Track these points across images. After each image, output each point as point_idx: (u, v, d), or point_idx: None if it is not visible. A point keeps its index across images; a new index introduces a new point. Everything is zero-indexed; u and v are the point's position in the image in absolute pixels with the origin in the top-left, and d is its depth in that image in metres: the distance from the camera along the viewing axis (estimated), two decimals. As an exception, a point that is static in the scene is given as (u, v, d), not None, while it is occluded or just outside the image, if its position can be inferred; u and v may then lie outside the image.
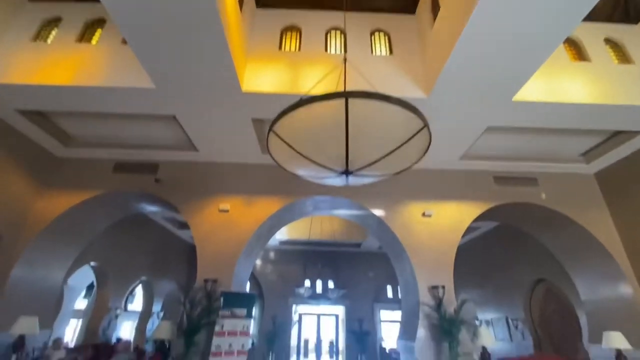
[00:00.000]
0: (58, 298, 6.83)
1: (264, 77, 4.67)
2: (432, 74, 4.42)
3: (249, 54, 4.86)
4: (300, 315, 12.20)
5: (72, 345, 8.06)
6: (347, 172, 2.31)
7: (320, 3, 5.38)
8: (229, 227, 5.95)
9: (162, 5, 3.32)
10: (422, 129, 2.04)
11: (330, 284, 12.08)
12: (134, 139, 6.03)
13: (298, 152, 2.18)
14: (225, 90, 4.47)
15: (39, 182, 5.92)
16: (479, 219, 6.33)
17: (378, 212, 6.14)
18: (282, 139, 2.15)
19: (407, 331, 5.68)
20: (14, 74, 4.58)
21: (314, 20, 5.39)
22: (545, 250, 7.04)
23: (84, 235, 6.57)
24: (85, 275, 8.43)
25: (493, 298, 9.51)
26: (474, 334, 5.53)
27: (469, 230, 6.73)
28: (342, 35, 5.32)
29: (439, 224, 6.08)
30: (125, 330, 10.16)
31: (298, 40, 5.26)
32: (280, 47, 5.16)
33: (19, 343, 4.50)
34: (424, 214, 6.12)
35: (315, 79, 4.22)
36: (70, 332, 9.71)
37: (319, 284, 12.21)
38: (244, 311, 5.61)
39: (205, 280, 5.44)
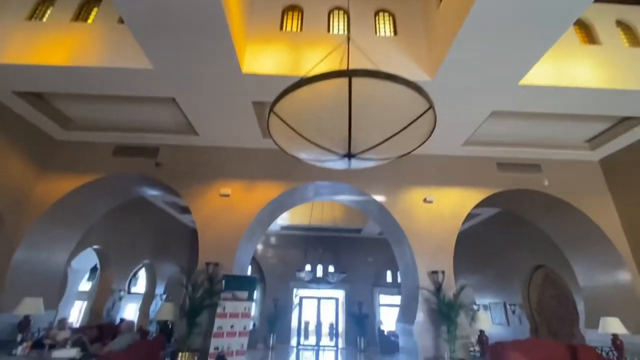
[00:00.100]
0: (62, 280, 6.93)
1: (264, 58, 4.55)
2: (437, 56, 4.30)
3: (250, 34, 4.72)
4: (300, 299, 12.40)
5: (77, 325, 8.25)
6: (349, 155, 2.26)
7: (323, -19, 5.19)
8: (230, 211, 5.96)
9: (158, -19, 3.19)
10: (427, 110, 1.98)
11: (331, 269, 12.22)
12: (134, 122, 5.96)
13: (299, 134, 2.13)
14: (225, 71, 4.37)
15: (39, 165, 5.90)
16: (480, 205, 6.31)
17: (379, 198, 6.13)
18: (283, 120, 2.09)
19: (406, 314, 5.76)
20: (9, 54, 4.48)
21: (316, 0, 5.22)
22: (545, 236, 7.05)
23: (86, 218, 6.60)
24: (88, 258, 8.54)
25: (492, 283, 9.62)
26: (472, 318, 5.61)
27: (470, 216, 6.73)
28: (345, 15, 5.16)
29: (440, 210, 6.07)
30: (130, 312, 10.38)
31: (300, 21, 5.11)
32: (281, 28, 5.01)
33: (25, 323, 4.58)
34: (425, 200, 6.10)
35: (317, 61, 4.11)
36: (76, 313, 9.93)
37: (319, 268, 12.36)
38: (245, 294, 5.69)
39: (207, 264, 5.49)
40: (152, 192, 7.32)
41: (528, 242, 8.14)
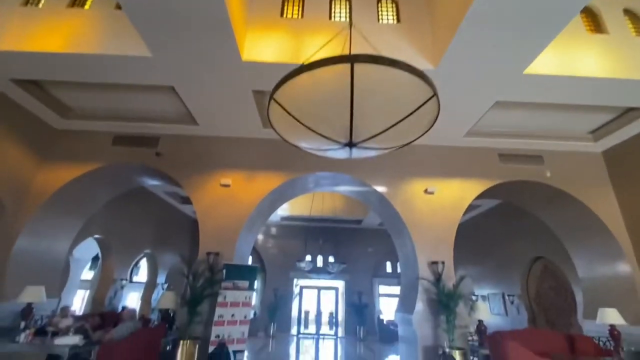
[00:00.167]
0: (64, 269, 6.97)
1: (265, 45, 4.47)
2: (441, 44, 4.22)
3: (250, 21, 4.63)
4: (301, 288, 12.52)
5: (79, 313, 8.34)
6: (350, 144, 2.23)
7: (325, -34, 5.06)
8: (231, 201, 5.96)
9: (156, -36, 3.10)
10: (431, 98, 1.94)
11: (331, 259, 12.30)
12: (133, 112, 5.91)
13: (300, 122, 2.09)
14: (225, 59, 4.30)
15: (39, 154, 5.87)
16: (481, 196, 6.30)
17: (380, 189, 6.11)
18: (283, 108, 2.05)
19: (406, 304, 5.80)
20: (4, 41, 4.40)
21: (317, -15, 5.10)
22: (545, 228, 7.06)
23: (86, 207, 6.60)
24: (90, 247, 8.59)
25: (491, 274, 9.67)
26: (471, 308, 5.65)
27: (470, 208, 6.72)
28: (347, 2, 5.05)
29: (441, 201, 6.06)
30: (132, 300, 10.49)
31: (301, 7, 5.00)
32: (282, 14, 4.91)
33: (27, 311, 4.62)
34: (426, 191, 6.08)
35: (318, 48, 4.03)
36: (79, 301, 10.05)
37: (319, 258, 12.44)
38: (246, 283, 5.73)
39: (208, 253, 5.51)
40: (152, 182, 7.30)
41: (528, 233, 8.15)
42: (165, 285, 10.98)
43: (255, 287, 6.24)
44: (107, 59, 4.39)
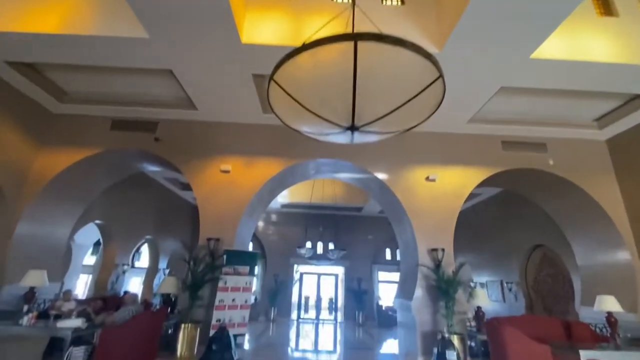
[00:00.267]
0: (66, 254, 7.02)
1: (265, 27, 4.35)
2: (446, 26, 4.09)
3: (249, 1, 4.48)
4: (301, 274, 12.64)
5: (82, 297, 8.44)
6: (352, 128, 2.17)
7: (327, -56, 4.87)
8: (231, 187, 5.93)
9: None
10: (436, 79, 1.88)
11: (331, 246, 12.38)
12: (132, 96, 5.81)
13: (300, 104, 2.03)
14: (224, 41, 4.19)
15: (36, 139, 5.81)
16: (483, 184, 6.26)
17: (381, 176, 6.07)
18: (283, 89, 1.99)
19: (405, 290, 5.85)
20: (-2, 21, 4.28)
21: (319, -35, 4.91)
22: (546, 216, 7.06)
23: (86, 193, 6.58)
24: (91, 232, 8.63)
25: (490, 262, 9.74)
26: (470, 294, 5.70)
27: (470, 196, 6.70)
28: (350, -18, 4.88)
29: (442, 189, 6.02)
30: (134, 285, 10.62)
31: (302, -13, 4.83)
32: (282, -5, 4.75)
33: (30, 295, 4.66)
34: (427, 178, 6.04)
35: (319, 28, 3.92)
36: (82, 286, 10.17)
37: (319, 245, 12.52)
38: (246, 269, 5.77)
39: (208, 239, 5.52)
40: (152, 168, 7.26)
41: (528, 221, 8.15)
42: (167, 271, 11.09)
43: (255, 272, 6.29)
44: (103, 40, 4.28)
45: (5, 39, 4.35)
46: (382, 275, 12.73)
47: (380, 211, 11.54)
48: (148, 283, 10.52)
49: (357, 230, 12.69)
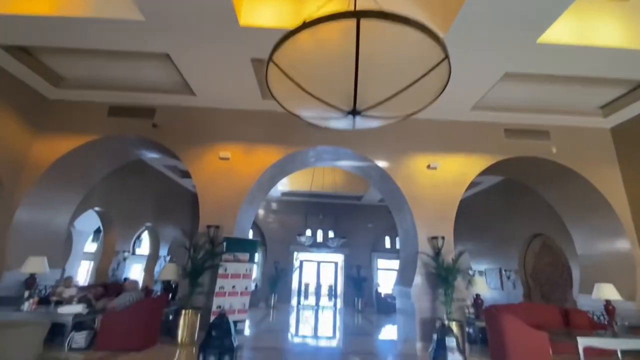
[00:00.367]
0: (66, 240, 7.02)
1: (264, 9, 4.21)
2: (451, 9, 3.95)
3: (247, -18, 4.33)
4: (301, 262, 12.74)
5: (84, 284, 8.51)
6: (354, 112, 2.10)
7: None
8: (230, 175, 5.88)
9: None
10: (442, 61, 1.80)
11: (331, 234, 12.42)
12: (129, 81, 5.70)
13: (300, 87, 1.96)
14: (222, 23, 4.06)
15: (33, 126, 5.73)
16: (484, 172, 6.21)
17: (382, 164, 6.01)
18: (282, 71, 1.92)
19: (404, 278, 5.87)
20: (-12, 1, 4.14)
21: (320, -56, 4.73)
22: (546, 205, 7.03)
23: (85, 180, 6.54)
24: (91, 219, 8.63)
25: (489, 250, 9.77)
26: (469, 282, 5.73)
27: (471, 185, 6.65)
28: (352, -38, 4.70)
29: (443, 177, 5.98)
30: (135, 272, 10.70)
31: (302, -33, 4.66)
32: (282, -25, 4.58)
33: (30, 281, 4.67)
34: (429, 167, 5.98)
35: (320, 12, 3.79)
36: (84, 273, 10.25)
37: (319, 233, 12.56)
38: (246, 256, 5.78)
39: (208, 226, 5.51)
40: (151, 155, 7.20)
41: (528, 210, 8.14)
42: (167, 258, 11.16)
43: (255, 259, 6.31)
44: (97, 22, 4.15)
45: (-4, 21, 4.22)
46: (382, 262, 12.82)
47: (380, 200, 11.53)
48: (149, 270, 10.60)
49: (356, 218, 12.71)
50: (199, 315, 4.91)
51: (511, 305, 5.70)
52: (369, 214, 12.71)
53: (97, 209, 8.10)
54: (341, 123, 2.41)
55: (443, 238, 5.54)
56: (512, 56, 4.45)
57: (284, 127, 6.07)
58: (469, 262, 10.38)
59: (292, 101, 2.24)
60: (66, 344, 3.98)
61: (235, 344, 2.86)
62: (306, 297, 12.60)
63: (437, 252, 5.46)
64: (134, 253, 10.28)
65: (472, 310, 5.89)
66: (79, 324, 4.20)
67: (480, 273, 9.98)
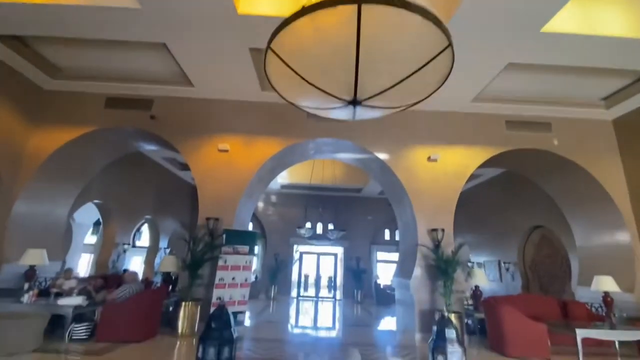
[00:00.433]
0: (67, 233, 7.02)
1: (262, -3, 4.11)
2: (453, -3, 3.87)
3: (245, -31, 4.22)
4: (300, 254, 12.78)
5: (84, 276, 8.54)
6: (355, 102, 2.06)
7: None
8: (229, 167, 5.84)
9: None
10: (445, 48, 1.75)
11: (330, 226, 12.44)
12: (125, 71, 5.62)
13: (299, 76, 1.91)
14: (219, 11, 3.97)
15: (30, 117, 5.67)
16: (484, 165, 6.18)
17: (382, 156, 5.97)
18: (281, 59, 1.86)
19: (404, 270, 5.88)
20: (-21, -11, 4.03)
21: None
22: (546, 197, 7.02)
23: (83, 172, 6.50)
24: (90, 212, 8.61)
25: (488, 242, 9.80)
26: (468, 273, 5.74)
27: (471, 177, 6.63)
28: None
29: (443, 169, 5.94)
30: (135, 264, 10.75)
31: (301, -46, 4.55)
32: (280, -38, 4.47)
33: (30, 273, 4.67)
34: (429, 159, 5.94)
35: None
36: (84, 265, 10.28)
37: (319, 226, 12.58)
38: (246, 248, 5.77)
39: (207, 219, 5.49)
40: (149, 147, 7.14)
41: (528, 202, 8.13)
42: (167, 250, 11.18)
43: (255, 251, 6.31)
44: (92, 11, 4.06)
45: (-12, 9, 4.12)
46: (381, 255, 12.87)
47: (380, 192, 11.51)
48: (149, 262, 10.64)
49: (356, 211, 12.72)
50: (199, 306, 4.93)
51: (510, 297, 5.73)
52: (368, 207, 12.72)
53: (96, 201, 8.07)
54: (342, 113, 2.36)
55: (443, 230, 5.53)
56: (515, 46, 4.37)
57: (283, 118, 6.00)
58: (469, 254, 10.42)
59: (291, 91, 2.19)
60: (66, 336, 3.99)
61: (235, 335, 2.86)
62: (306, 288, 12.68)
63: (437, 244, 5.46)
64: (134, 245, 10.31)
65: (471, 301, 5.92)
66: (79, 315, 4.21)
67: (480, 265, 10.03)
